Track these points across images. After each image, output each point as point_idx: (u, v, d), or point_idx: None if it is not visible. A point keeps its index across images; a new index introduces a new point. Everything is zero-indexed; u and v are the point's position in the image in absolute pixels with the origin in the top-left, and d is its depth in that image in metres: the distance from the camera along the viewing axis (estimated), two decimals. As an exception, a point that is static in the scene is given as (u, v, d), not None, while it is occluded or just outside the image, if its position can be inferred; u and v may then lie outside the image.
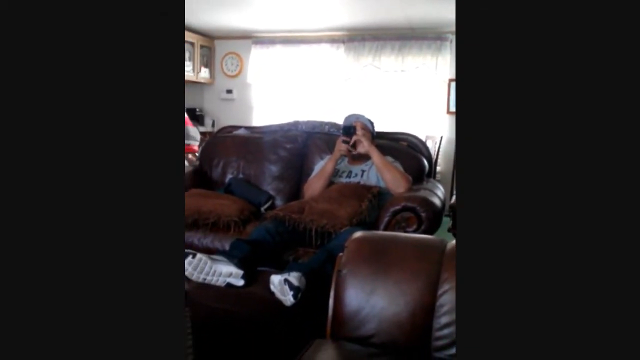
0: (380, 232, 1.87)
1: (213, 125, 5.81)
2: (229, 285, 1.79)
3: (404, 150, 2.70)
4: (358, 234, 1.40)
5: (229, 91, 5.84)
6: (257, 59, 5.63)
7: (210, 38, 5.75)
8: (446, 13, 4.31)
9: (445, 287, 1.23)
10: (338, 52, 5.34)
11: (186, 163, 3.00)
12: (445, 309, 1.22)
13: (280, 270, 1.83)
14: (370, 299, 1.26)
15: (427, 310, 1.23)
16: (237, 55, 5.77)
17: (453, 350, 1.20)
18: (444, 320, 1.22)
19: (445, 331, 1.21)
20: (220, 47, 5.84)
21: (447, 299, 1.22)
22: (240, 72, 5.79)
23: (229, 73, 5.84)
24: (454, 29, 4.91)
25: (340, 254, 1.36)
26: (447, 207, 2.51)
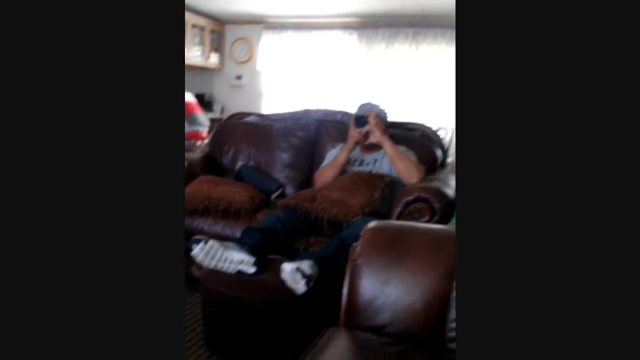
0: (396, 222, 1.85)
1: (222, 111, 5.79)
2: (240, 272, 1.79)
3: (417, 140, 2.67)
4: (373, 223, 1.39)
5: (239, 77, 5.82)
6: (268, 44, 5.59)
7: (220, 22, 5.71)
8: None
9: (460, 278, 1.22)
10: (350, 39, 5.28)
11: (188, 156, 2.99)
12: (459, 300, 1.21)
13: (290, 258, 1.83)
14: (385, 289, 1.25)
15: (442, 301, 1.22)
16: (248, 40, 5.74)
17: (467, 342, 1.19)
18: (458, 311, 1.21)
19: (460, 322, 1.20)
20: (231, 32, 5.80)
21: (462, 290, 1.21)
22: (250, 58, 5.75)
23: (239, 59, 5.80)
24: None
25: (355, 243, 1.35)
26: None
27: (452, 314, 1.21)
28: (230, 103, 5.76)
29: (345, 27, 5.29)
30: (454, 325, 1.21)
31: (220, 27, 5.74)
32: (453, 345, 1.21)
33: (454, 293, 1.22)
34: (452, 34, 4.91)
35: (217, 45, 5.73)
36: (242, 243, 1.86)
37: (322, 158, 2.66)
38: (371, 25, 5.18)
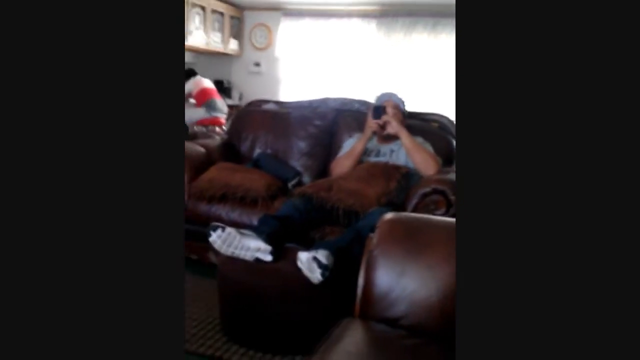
0: (413, 214, 1.85)
1: (240, 98, 5.80)
2: (257, 259, 1.82)
3: (435, 131, 2.66)
4: (390, 215, 1.39)
5: (257, 64, 5.81)
6: (287, 31, 5.57)
7: (239, 8, 5.70)
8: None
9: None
10: (369, 28, 5.24)
11: (206, 143, 3.01)
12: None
13: (306, 247, 1.85)
14: (401, 281, 1.26)
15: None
16: (267, 26, 5.72)
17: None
18: (473, 305, 1.21)
19: (474, 316, 1.21)
20: (250, 18, 5.79)
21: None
22: (269, 44, 5.74)
23: (258, 45, 5.80)
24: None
25: (371, 234, 1.35)
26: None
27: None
28: (249, 90, 5.76)
29: (364, 15, 5.24)
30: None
31: (239, 13, 5.73)
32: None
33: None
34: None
35: (237, 31, 5.72)
36: (259, 231, 1.88)
37: (339, 147, 2.66)
38: (390, 13, 5.12)
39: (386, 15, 5.15)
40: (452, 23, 4.91)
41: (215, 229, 1.83)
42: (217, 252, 1.90)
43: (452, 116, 3.05)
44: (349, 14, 5.30)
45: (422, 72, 5.15)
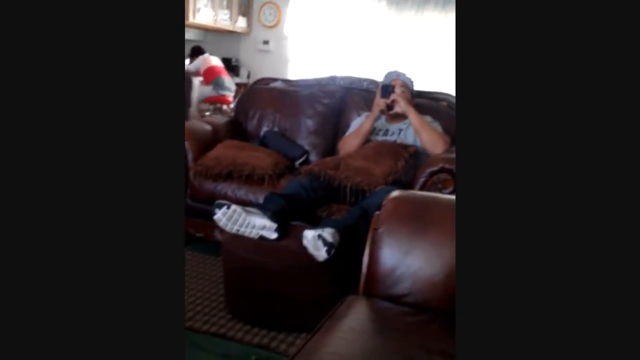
0: (419, 192, 1.84)
1: (248, 76, 5.77)
2: (262, 237, 1.82)
3: (444, 110, 2.62)
4: (396, 192, 1.38)
5: (266, 42, 5.76)
6: (296, 9, 5.50)
7: (248, -14, 5.63)
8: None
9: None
10: (380, 5, 5.16)
11: (213, 120, 2.99)
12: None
13: (313, 225, 1.84)
14: (406, 259, 1.25)
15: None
16: (276, 5, 5.65)
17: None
18: (478, 284, 1.21)
19: (479, 295, 1.20)
20: (259, -4, 5.72)
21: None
22: (278, 22, 5.68)
23: (267, 23, 5.73)
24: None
25: (377, 212, 1.34)
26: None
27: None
28: (257, 68, 5.72)
29: (375, -8, 5.16)
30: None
31: (248, -9, 5.66)
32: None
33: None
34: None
35: (245, 9, 5.66)
36: (265, 209, 1.87)
37: (347, 126, 2.64)
38: (401, -9, 5.04)
39: (397, -8, 5.06)
40: (463, 0, 4.82)
41: (220, 206, 1.83)
42: (222, 230, 1.90)
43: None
44: (359, -9, 5.21)
45: (432, 51, 5.07)
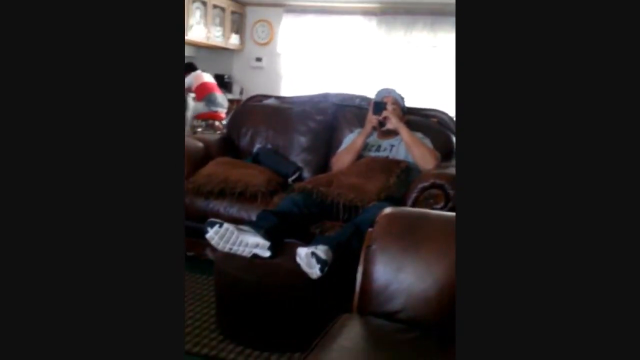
0: (411, 209, 1.85)
1: (241, 93, 5.80)
2: (255, 256, 1.81)
3: (434, 126, 2.65)
4: (389, 209, 1.39)
5: (259, 59, 5.81)
6: (289, 27, 5.56)
7: (241, 4, 5.69)
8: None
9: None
10: (370, 25, 5.24)
11: (206, 137, 3.00)
12: (472, 288, 1.22)
13: (306, 242, 1.84)
14: (399, 275, 1.26)
15: (454, 288, 1.23)
16: (268, 23, 5.71)
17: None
18: (470, 300, 1.21)
19: (472, 310, 1.21)
20: (252, 14, 5.78)
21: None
22: (270, 40, 5.73)
23: (260, 41, 5.79)
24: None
25: (370, 229, 1.35)
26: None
27: (465, 303, 1.22)
28: (250, 84, 5.76)
29: (365, 12, 5.25)
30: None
31: (241, 9, 5.72)
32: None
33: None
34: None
35: (238, 26, 5.72)
36: (258, 227, 1.87)
37: (339, 142, 2.65)
38: (391, 11, 5.14)
39: (387, 13, 5.16)
40: (450, 21, 4.93)
41: (212, 225, 1.82)
42: (214, 249, 1.89)
43: (450, 112, 3.06)
44: (350, 12, 5.29)
45: (422, 69, 5.16)
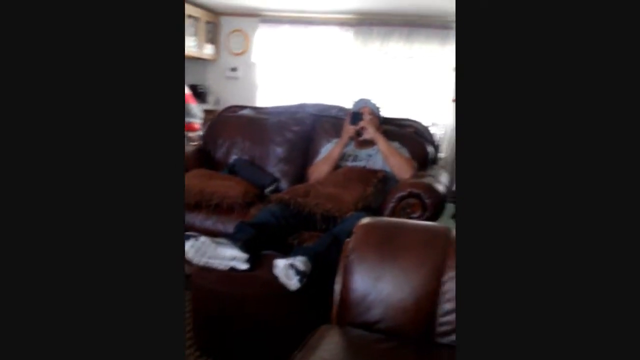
0: (388, 219, 1.86)
1: (216, 103, 5.76)
2: (232, 268, 1.79)
3: (410, 136, 2.68)
4: (366, 219, 1.40)
5: (234, 69, 5.78)
6: (264, 38, 5.56)
7: (215, 14, 5.67)
8: (452, 3, 4.24)
9: (449, 274, 1.24)
10: (347, 36, 5.28)
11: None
12: (449, 295, 1.24)
13: (284, 253, 1.83)
14: (377, 285, 1.26)
15: (432, 296, 1.24)
16: (244, 33, 5.70)
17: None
18: (447, 306, 1.23)
19: (449, 317, 1.23)
20: (226, 24, 5.76)
21: (451, 285, 1.24)
22: (246, 50, 5.72)
23: (235, 51, 5.77)
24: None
25: (348, 239, 1.35)
26: (450, 194, 2.51)
27: (441, 309, 1.23)
28: (225, 94, 5.72)
29: (342, 23, 5.29)
30: (443, 320, 1.23)
31: (215, 19, 5.70)
32: (442, 340, 1.23)
33: (443, 289, 1.24)
34: (445, 34, 4.96)
35: (213, 36, 5.69)
36: (235, 239, 1.85)
37: (316, 153, 2.66)
38: (367, 23, 5.19)
39: (363, 24, 5.21)
40: (425, 33, 5.03)
41: (188, 238, 1.80)
42: (190, 263, 1.86)
43: (426, 122, 3.11)
44: (326, 22, 5.33)
45: (398, 80, 5.23)
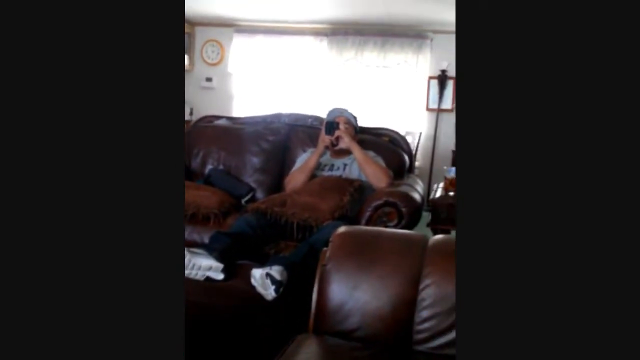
0: (365, 227, 1.88)
1: (191, 113, 5.72)
2: (208, 279, 1.77)
3: (386, 145, 2.71)
4: (342, 228, 1.40)
5: (209, 79, 5.76)
6: (239, 48, 5.56)
7: (190, 24, 5.65)
8: (426, 12, 4.36)
9: (426, 281, 1.25)
10: (321, 45, 5.32)
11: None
12: (426, 303, 1.24)
13: (261, 263, 1.82)
14: (354, 294, 1.27)
15: (408, 304, 1.25)
16: (218, 43, 5.69)
17: (433, 344, 1.22)
18: (424, 314, 1.24)
19: (426, 325, 1.24)
20: (201, 34, 5.74)
21: (428, 293, 1.24)
22: (221, 60, 5.70)
23: (209, 61, 5.75)
24: (434, 27, 4.96)
25: (325, 248, 1.36)
26: (426, 202, 2.54)
27: (418, 317, 1.24)
28: (200, 104, 5.68)
29: (316, 33, 5.32)
30: (420, 327, 1.24)
31: (190, 29, 5.67)
32: (419, 347, 1.24)
33: (420, 296, 1.25)
34: (418, 43, 5.05)
35: (187, 46, 5.66)
36: (211, 249, 1.84)
37: (292, 162, 2.66)
38: (341, 32, 5.24)
39: (337, 33, 5.25)
40: (400, 42, 5.10)
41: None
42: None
43: (401, 131, 3.15)
44: (301, 32, 5.35)
45: (372, 89, 5.27)
